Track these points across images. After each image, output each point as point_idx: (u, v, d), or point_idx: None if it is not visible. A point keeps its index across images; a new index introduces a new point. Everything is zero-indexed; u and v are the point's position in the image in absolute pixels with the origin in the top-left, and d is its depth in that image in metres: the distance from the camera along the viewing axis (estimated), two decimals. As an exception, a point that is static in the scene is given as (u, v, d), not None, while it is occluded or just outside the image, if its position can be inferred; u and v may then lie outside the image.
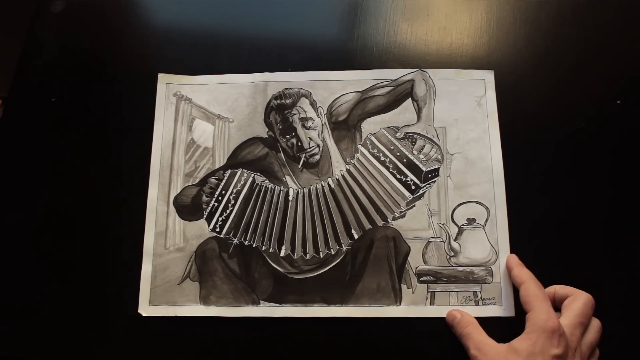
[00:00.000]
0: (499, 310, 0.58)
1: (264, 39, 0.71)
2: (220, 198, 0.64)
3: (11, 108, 0.70)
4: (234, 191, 0.64)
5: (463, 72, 0.66)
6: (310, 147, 0.65)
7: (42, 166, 0.67)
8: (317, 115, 0.66)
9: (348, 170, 0.64)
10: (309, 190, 0.64)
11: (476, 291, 0.59)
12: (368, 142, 0.64)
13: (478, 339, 0.52)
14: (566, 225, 0.61)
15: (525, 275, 0.54)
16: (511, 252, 0.60)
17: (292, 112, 0.66)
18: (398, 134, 0.64)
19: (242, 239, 0.63)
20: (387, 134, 0.64)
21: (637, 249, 0.60)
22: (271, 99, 0.67)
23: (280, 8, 0.72)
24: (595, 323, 0.52)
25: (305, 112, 0.66)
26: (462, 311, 0.57)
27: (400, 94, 0.66)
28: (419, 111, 0.65)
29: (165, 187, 0.65)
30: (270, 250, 0.62)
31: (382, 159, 0.63)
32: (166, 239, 0.63)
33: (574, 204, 0.61)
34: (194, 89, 0.68)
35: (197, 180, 0.65)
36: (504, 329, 0.56)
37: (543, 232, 0.61)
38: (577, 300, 0.51)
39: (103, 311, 0.61)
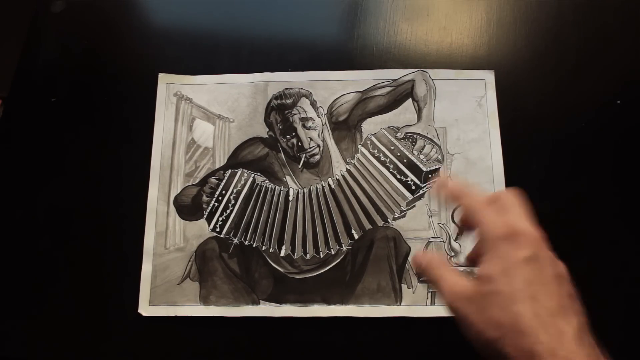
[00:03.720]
0: (499, 310, 0.58)
1: (264, 39, 0.71)
2: (220, 198, 0.64)
3: (11, 108, 0.70)
4: (234, 191, 0.64)
5: (463, 73, 0.66)
6: (310, 147, 0.65)
7: (42, 166, 0.67)
8: (318, 115, 0.66)
9: (348, 171, 0.64)
10: (309, 190, 0.64)
11: (476, 291, 0.59)
12: (368, 142, 0.64)
13: (452, 281, 0.40)
14: (566, 225, 0.61)
15: (458, 191, 0.43)
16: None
17: (293, 112, 0.66)
18: (398, 134, 0.64)
19: (242, 239, 0.63)
20: (388, 134, 0.64)
21: (638, 248, 0.60)
22: (271, 99, 0.67)
23: (280, 8, 0.72)
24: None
25: (305, 112, 0.66)
26: (429, 254, 0.50)
27: (401, 94, 0.66)
28: (419, 111, 0.65)
29: (166, 187, 0.65)
30: (270, 250, 0.62)
31: (383, 159, 0.63)
32: (166, 239, 0.63)
33: (574, 204, 0.61)
34: (195, 89, 0.68)
35: (197, 180, 0.65)
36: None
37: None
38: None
39: (103, 311, 0.61)
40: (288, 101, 0.66)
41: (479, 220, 0.40)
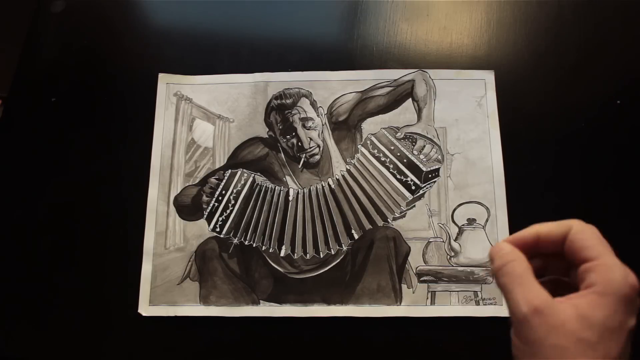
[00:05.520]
0: (499, 310, 0.58)
1: (264, 39, 0.71)
2: (220, 198, 0.64)
3: (11, 108, 0.70)
4: (234, 191, 0.64)
5: (463, 73, 0.66)
6: (310, 147, 0.65)
7: (42, 166, 0.67)
8: (318, 116, 0.66)
9: (348, 171, 0.64)
10: (309, 190, 0.64)
11: (476, 291, 0.59)
12: (368, 142, 0.64)
13: (531, 290, 0.33)
14: (566, 225, 0.61)
15: (572, 221, 0.37)
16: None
17: (293, 112, 0.66)
18: (398, 134, 0.64)
19: (242, 239, 0.63)
20: (388, 134, 0.64)
21: (638, 248, 0.60)
22: (271, 99, 0.67)
23: (280, 8, 0.72)
24: None
25: (305, 112, 0.66)
26: (514, 247, 0.36)
27: (401, 94, 0.66)
28: (419, 111, 0.65)
29: (166, 187, 0.65)
30: (270, 250, 0.62)
31: (383, 159, 0.63)
32: (166, 239, 0.63)
33: (575, 204, 0.61)
34: (195, 89, 0.68)
35: (197, 180, 0.65)
36: (504, 329, 0.56)
37: (543, 232, 0.60)
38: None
39: (103, 311, 0.61)
40: (288, 101, 0.66)
41: (603, 262, 0.34)
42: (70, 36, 0.73)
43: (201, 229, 0.63)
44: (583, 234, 0.36)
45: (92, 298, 0.61)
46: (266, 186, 0.64)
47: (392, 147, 0.63)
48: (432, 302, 0.59)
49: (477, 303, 0.59)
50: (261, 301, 0.60)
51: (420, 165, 0.62)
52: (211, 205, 0.64)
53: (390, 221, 0.62)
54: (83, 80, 0.70)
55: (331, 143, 0.65)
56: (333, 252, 0.62)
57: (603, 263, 0.34)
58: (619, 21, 0.68)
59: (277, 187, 0.64)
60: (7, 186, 0.66)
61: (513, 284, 0.34)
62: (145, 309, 0.61)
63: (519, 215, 0.61)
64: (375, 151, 0.63)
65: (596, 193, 0.62)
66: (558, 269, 0.37)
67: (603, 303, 0.32)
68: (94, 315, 0.61)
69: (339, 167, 0.65)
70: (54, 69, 0.71)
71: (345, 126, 0.66)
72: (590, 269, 0.34)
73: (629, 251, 0.60)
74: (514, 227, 0.61)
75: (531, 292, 0.33)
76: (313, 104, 0.66)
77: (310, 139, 0.65)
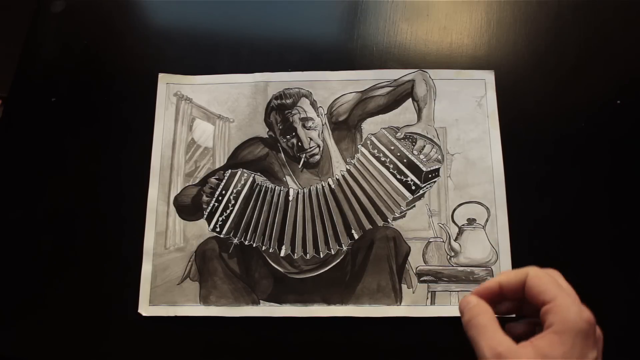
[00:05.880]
0: (499, 310, 0.58)
1: (264, 39, 0.71)
2: (220, 198, 0.64)
3: (11, 108, 0.70)
4: (234, 191, 0.64)
5: (463, 73, 0.66)
6: (310, 147, 0.65)
7: (42, 166, 0.67)
8: (318, 115, 0.66)
9: (348, 171, 0.64)
10: (309, 190, 0.64)
11: (476, 291, 0.59)
12: (368, 142, 0.64)
13: (494, 338, 0.37)
14: (566, 225, 0.61)
15: (528, 268, 0.41)
16: (511, 252, 0.60)
17: (293, 112, 0.66)
18: (398, 134, 0.64)
19: (242, 239, 0.63)
20: (388, 134, 0.64)
21: (638, 248, 0.60)
22: (271, 99, 0.67)
23: (280, 8, 0.72)
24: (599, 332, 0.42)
25: (305, 112, 0.66)
26: (480, 299, 0.41)
27: (401, 94, 0.66)
28: (419, 111, 0.65)
29: (166, 187, 0.65)
30: (270, 250, 0.62)
31: (383, 159, 0.63)
32: (166, 239, 0.63)
33: (574, 204, 0.61)
34: (195, 89, 0.68)
35: (197, 180, 0.65)
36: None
37: (543, 232, 0.61)
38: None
39: (103, 311, 0.61)
40: (288, 101, 0.66)
41: (559, 304, 0.37)
42: (70, 36, 0.73)
43: (201, 229, 0.63)
44: (538, 280, 0.39)
45: (92, 298, 0.61)
46: (266, 186, 0.64)
47: (392, 147, 0.63)
48: (432, 302, 0.59)
49: (477, 303, 0.59)
50: (261, 301, 0.60)
51: (420, 165, 0.62)
52: (211, 205, 0.64)
53: (390, 221, 0.62)
54: (83, 80, 0.70)
55: (331, 143, 0.65)
56: (333, 252, 0.62)
57: (558, 304, 0.36)
58: (619, 21, 0.68)
59: (277, 187, 0.64)
60: (7, 186, 0.66)
61: (479, 335, 0.38)
62: (145, 309, 0.61)
63: (519, 215, 0.61)
64: (375, 151, 0.63)
65: (596, 193, 0.62)
66: (532, 309, 0.40)
67: (561, 340, 0.35)
68: (94, 315, 0.61)
69: (339, 167, 0.65)
70: (54, 69, 0.71)
71: (345, 126, 0.66)
72: (548, 310, 0.37)
73: (629, 249, 0.60)
74: (513, 227, 0.61)
75: (494, 340, 0.37)
76: (313, 104, 0.66)
77: (310, 139, 0.65)
